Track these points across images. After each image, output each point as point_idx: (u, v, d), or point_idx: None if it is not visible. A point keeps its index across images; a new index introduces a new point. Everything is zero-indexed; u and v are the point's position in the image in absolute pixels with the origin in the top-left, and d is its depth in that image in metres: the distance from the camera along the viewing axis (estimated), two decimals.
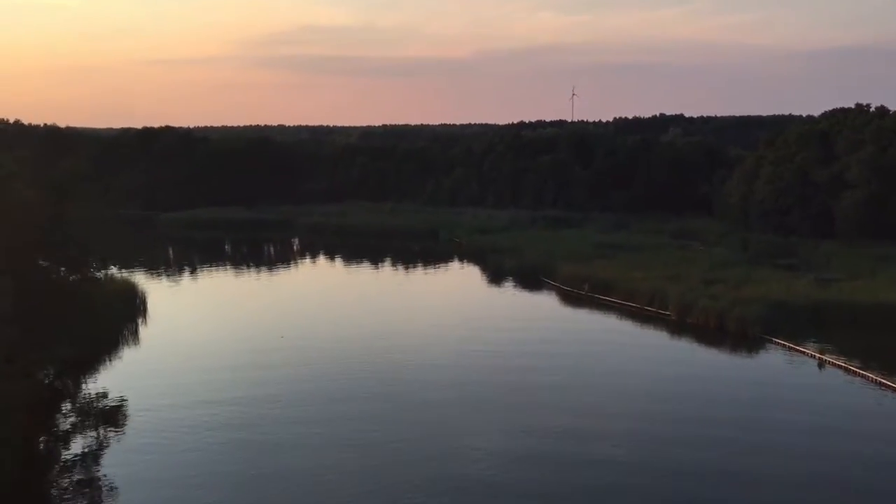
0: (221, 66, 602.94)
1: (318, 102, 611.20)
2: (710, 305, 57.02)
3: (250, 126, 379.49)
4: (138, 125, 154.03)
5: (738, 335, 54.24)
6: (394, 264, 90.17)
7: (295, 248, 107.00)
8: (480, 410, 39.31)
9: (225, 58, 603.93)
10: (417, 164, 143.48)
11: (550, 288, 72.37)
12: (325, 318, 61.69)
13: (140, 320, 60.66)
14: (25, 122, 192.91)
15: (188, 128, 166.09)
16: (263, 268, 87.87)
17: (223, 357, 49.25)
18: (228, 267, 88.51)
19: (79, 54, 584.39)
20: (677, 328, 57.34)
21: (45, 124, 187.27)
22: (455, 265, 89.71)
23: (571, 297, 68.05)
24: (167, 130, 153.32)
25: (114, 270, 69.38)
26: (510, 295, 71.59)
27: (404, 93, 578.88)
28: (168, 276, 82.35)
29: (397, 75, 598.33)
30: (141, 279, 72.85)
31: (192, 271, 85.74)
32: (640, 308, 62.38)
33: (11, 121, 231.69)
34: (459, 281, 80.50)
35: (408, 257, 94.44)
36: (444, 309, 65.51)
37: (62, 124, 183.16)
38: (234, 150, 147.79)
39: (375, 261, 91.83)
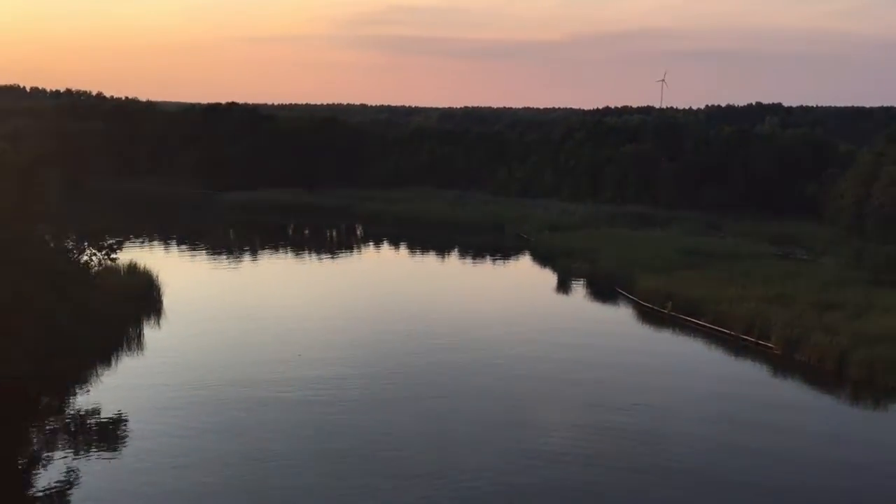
0: (310, 44, 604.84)
1: (401, 83, 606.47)
2: (825, 342, 45.90)
3: (332, 105, 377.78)
4: (223, 101, 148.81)
5: (863, 383, 43.16)
6: (452, 260, 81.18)
7: (348, 237, 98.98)
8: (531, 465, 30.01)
9: (314, 36, 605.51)
10: (489, 150, 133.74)
11: (626, 302, 62.04)
12: (373, 318, 53.38)
13: (153, 318, 53.50)
14: (113, 95, 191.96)
15: (254, 104, 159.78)
16: (308, 258, 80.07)
17: (239, 369, 41.26)
18: (270, 256, 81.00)
19: (179, 31, 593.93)
20: (782, 366, 46.51)
21: (126, 97, 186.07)
22: (519, 265, 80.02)
23: (651, 316, 57.62)
24: (232, 107, 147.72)
25: (141, 257, 62.74)
26: (578, 308, 61.60)
27: (489, 75, 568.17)
28: (202, 262, 75.35)
29: (483, 57, 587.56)
30: (171, 267, 65.97)
31: (230, 259, 78.42)
32: (736, 336, 51.60)
33: (94, 93, 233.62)
34: (521, 285, 70.83)
35: (468, 253, 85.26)
36: (496, 318, 56.18)
37: (159, 99, 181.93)
38: (298, 129, 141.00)
39: (432, 255, 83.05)
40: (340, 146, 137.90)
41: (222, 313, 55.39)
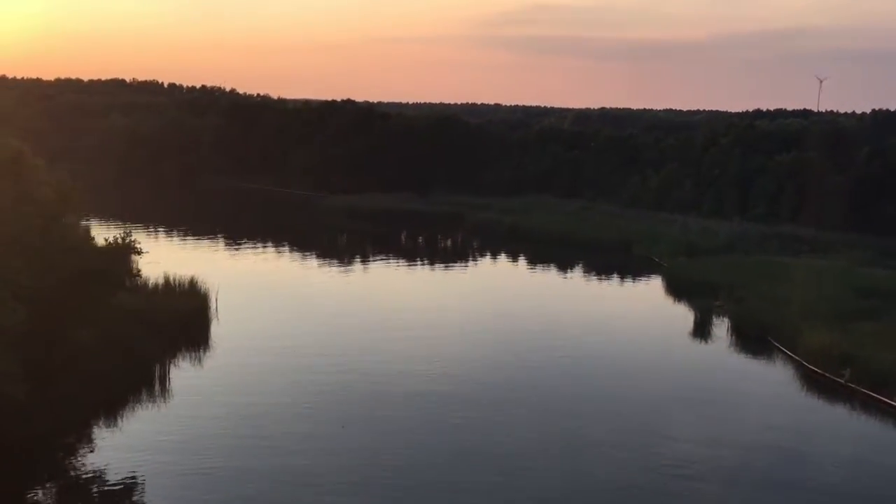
0: (447, 44, 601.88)
1: (538, 83, 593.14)
2: None
3: (464, 105, 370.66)
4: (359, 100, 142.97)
5: None
6: (567, 284, 68.94)
7: (452, 251, 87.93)
8: None
9: (452, 37, 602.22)
10: (621, 156, 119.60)
11: (784, 360, 47.93)
12: (480, 346, 42.51)
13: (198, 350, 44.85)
14: (245, 92, 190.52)
15: (382, 103, 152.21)
16: (400, 274, 69.91)
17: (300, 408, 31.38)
18: (358, 271, 71.41)
19: (324, 32, 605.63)
20: None
21: (245, 93, 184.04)
22: (646, 297, 66.62)
23: (820, 386, 43.49)
24: (348, 105, 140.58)
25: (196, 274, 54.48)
26: (718, 364, 48.04)
27: (629, 75, 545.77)
28: (275, 275, 66.50)
29: (625, 57, 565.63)
30: (239, 278, 57.45)
31: (308, 272, 69.23)
32: None
33: (228, 89, 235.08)
34: (647, 324, 57.47)
35: (587, 277, 72.81)
36: (614, 368, 43.85)
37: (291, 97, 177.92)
38: (413, 128, 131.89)
39: (544, 276, 71.12)
40: (457, 148, 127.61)
41: (283, 352, 45.75)
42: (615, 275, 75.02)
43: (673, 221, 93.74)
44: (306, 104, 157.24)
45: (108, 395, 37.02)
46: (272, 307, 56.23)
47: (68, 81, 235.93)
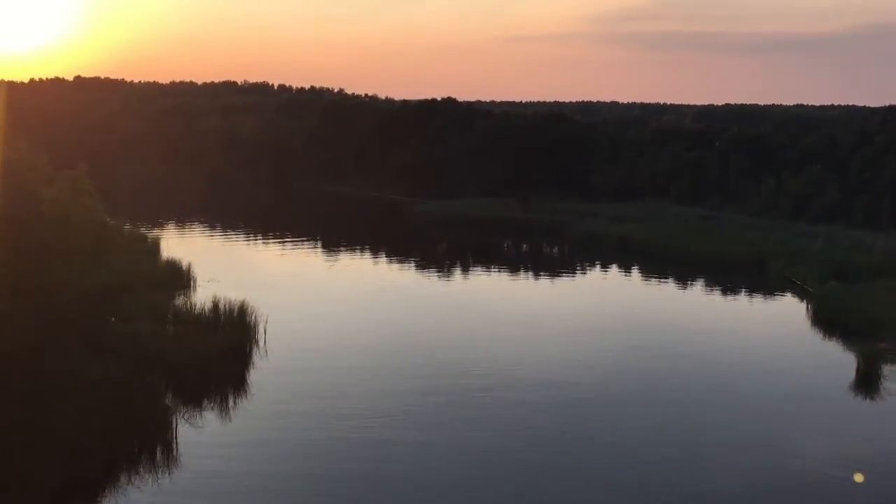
0: (567, 42, 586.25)
1: (657, 79, 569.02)
2: None
3: (580, 102, 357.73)
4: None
5: None
6: (689, 310, 56.98)
7: (551, 268, 76.31)
8: None
9: (571, 34, 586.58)
10: (751, 156, 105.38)
11: None
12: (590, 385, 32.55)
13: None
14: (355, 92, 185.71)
15: (471, 101, 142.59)
16: (485, 298, 59.77)
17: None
18: (436, 291, 61.76)
19: (447, 33, 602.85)
20: None
21: (342, 91, 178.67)
22: (788, 334, 53.72)
23: None
24: (447, 103, 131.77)
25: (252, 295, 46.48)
26: (891, 433, 35.81)
27: (756, 70, 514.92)
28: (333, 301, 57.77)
29: (752, 52, 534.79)
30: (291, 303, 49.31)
31: (384, 295, 60.06)
32: None
33: (336, 90, 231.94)
34: (793, 368, 45.11)
35: (713, 302, 60.54)
36: (748, 430, 32.62)
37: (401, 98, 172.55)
38: (516, 128, 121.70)
39: (662, 302, 59.40)
40: (564, 149, 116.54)
41: (339, 411, 36.75)
42: (746, 301, 62.55)
43: (815, 234, 79.58)
44: (405, 104, 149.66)
45: (84, 470, 28.92)
46: (335, 340, 47.35)
47: (181, 84, 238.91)
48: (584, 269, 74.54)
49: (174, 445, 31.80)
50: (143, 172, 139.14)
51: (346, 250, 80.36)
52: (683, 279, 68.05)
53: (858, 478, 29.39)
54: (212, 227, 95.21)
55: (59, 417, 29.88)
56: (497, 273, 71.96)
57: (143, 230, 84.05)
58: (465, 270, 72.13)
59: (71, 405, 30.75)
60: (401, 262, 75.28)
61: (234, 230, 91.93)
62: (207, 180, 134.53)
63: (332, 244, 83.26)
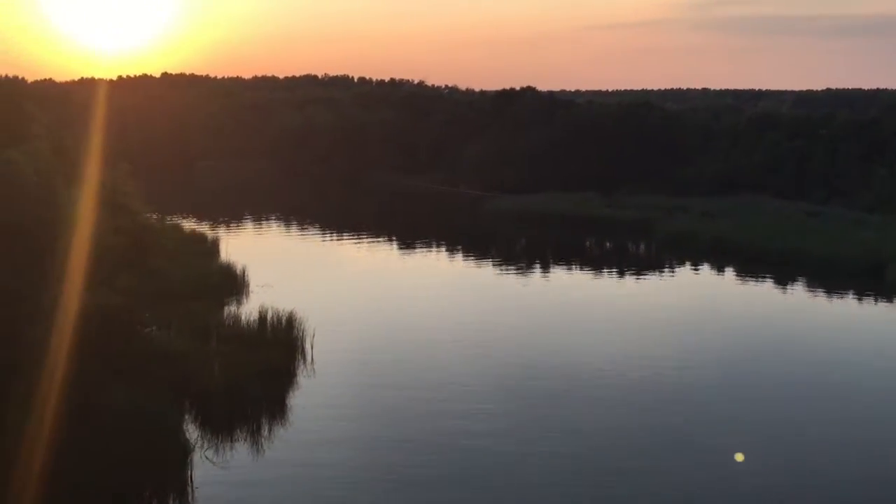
0: (655, 28, 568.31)
1: (752, 65, 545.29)
2: None
3: (669, 90, 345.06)
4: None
5: None
6: (795, 324, 49.71)
7: (632, 272, 68.96)
8: None
9: (661, 21, 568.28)
10: (862, 145, 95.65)
11: None
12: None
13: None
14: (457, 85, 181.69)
15: (553, 91, 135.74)
16: (555, 307, 53.88)
17: None
18: (498, 298, 56.19)
19: (527, 23, 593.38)
20: None
21: (421, 82, 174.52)
22: None
23: None
24: (527, 93, 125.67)
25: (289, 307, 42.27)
26: None
27: (860, 53, 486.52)
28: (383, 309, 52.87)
29: (855, 34, 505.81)
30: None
31: (445, 307, 54.84)
32: None
33: (416, 82, 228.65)
34: None
35: (823, 314, 53.02)
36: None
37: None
38: (600, 117, 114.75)
39: (762, 313, 52.27)
40: (650, 139, 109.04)
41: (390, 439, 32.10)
42: (859, 310, 54.76)
43: None
44: (482, 94, 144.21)
45: None
46: (396, 353, 42.55)
47: (263, 79, 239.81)
48: (671, 271, 67.76)
49: (189, 487, 27.62)
50: (219, 168, 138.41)
51: (416, 249, 75.89)
52: (785, 283, 60.55)
53: (739, 457, 29.06)
54: (280, 223, 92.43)
55: (54, 451, 26.07)
56: (577, 274, 65.95)
57: (207, 229, 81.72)
58: (543, 272, 66.41)
59: (70, 436, 26.93)
60: (474, 262, 70.14)
61: (302, 227, 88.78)
62: (282, 175, 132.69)
63: (402, 242, 78.95)
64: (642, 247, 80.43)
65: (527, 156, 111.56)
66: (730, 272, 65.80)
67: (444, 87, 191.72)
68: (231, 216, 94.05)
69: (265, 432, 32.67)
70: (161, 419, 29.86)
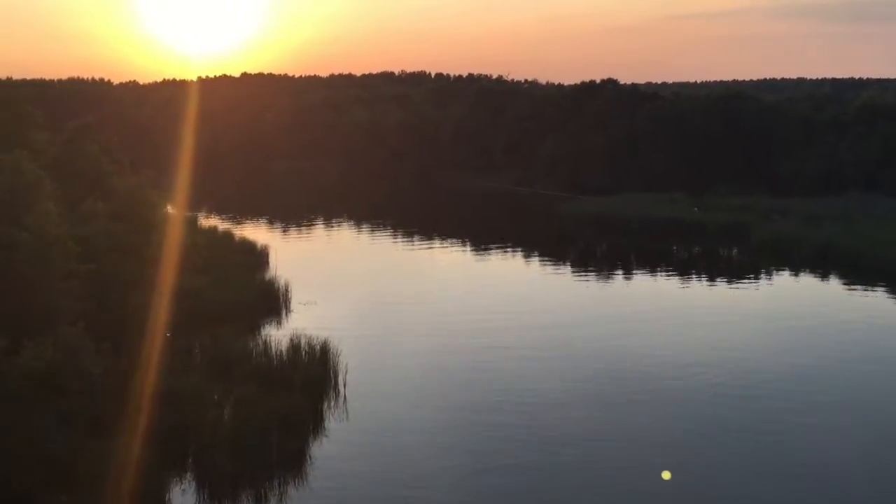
0: (744, 17, 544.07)
1: (850, 52, 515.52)
2: None
3: (760, 80, 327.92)
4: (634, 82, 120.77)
5: None
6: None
7: (725, 285, 60.39)
8: None
9: (745, 9, 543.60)
10: None
11: None
12: None
13: None
14: (535, 79, 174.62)
15: (637, 84, 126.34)
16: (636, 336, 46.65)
17: None
18: (568, 319, 49.22)
19: (607, 15, 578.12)
20: None
21: (500, 76, 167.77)
22: None
23: None
24: (608, 85, 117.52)
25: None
26: None
27: None
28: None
29: None
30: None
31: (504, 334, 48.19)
32: None
33: (495, 76, 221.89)
34: None
35: None
36: None
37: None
38: (688, 110, 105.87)
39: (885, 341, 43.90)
40: (744, 133, 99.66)
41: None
42: None
43: None
44: (559, 88, 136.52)
45: None
46: (445, 392, 36.45)
47: (339, 77, 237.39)
48: (769, 282, 59.29)
49: None
50: (289, 167, 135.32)
51: (488, 256, 69.78)
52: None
53: (665, 475, 27.66)
54: (344, 226, 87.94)
55: None
56: (661, 285, 58.34)
57: (264, 234, 77.80)
58: (624, 282, 59.37)
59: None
60: (546, 273, 63.51)
61: (366, 230, 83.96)
62: (353, 175, 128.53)
63: (473, 247, 73.14)
64: (736, 254, 71.99)
65: (607, 153, 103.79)
66: (837, 284, 57.27)
67: (523, 81, 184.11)
68: (295, 218, 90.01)
69: (276, 497, 27.15)
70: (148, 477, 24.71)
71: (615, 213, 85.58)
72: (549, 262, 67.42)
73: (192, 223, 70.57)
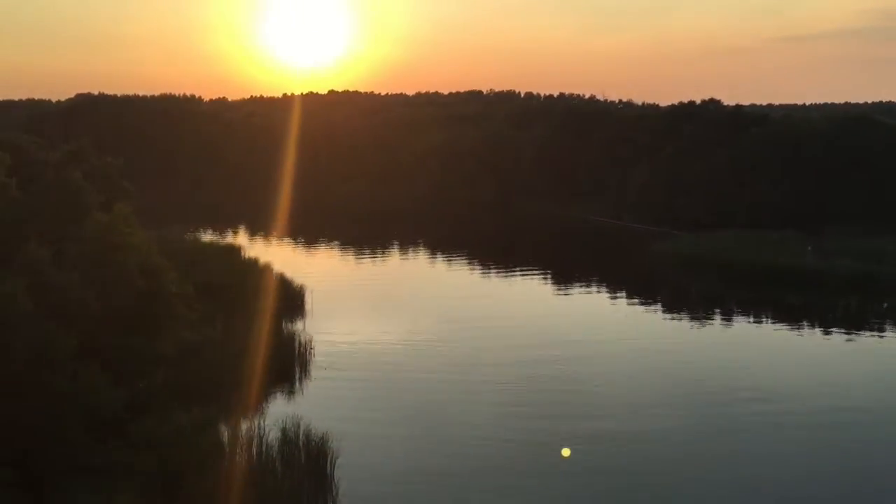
0: (856, 38, 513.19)
1: None
2: None
3: (877, 104, 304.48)
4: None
5: None
6: None
7: (848, 353, 47.64)
8: None
9: (861, 30, 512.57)
10: None
11: None
12: None
13: None
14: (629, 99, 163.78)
15: (741, 105, 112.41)
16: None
17: None
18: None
19: (712, 36, 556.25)
20: None
21: (591, 96, 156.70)
22: None
23: None
24: (709, 106, 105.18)
25: None
26: None
27: None
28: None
29: None
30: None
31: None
32: None
33: (587, 96, 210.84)
34: None
35: None
36: None
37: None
38: (804, 135, 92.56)
39: None
40: (872, 162, 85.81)
41: None
42: None
43: None
44: (654, 109, 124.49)
45: None
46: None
47: (424, 95, 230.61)
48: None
49: None
50: (357, 191, 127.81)
51: (564, 300, 59.70)
52: None
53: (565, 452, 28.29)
54: (404, 258, 79.15)
55: None
56: (768, 348, 46.39)
57: (311, 266, 69.73)
58: (721, 354, 47.65)
59: None
60: (637, 318, 52.46)
61: (426, 265, 74.80)
62: (422, 200, 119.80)
63: (548, 289, 63.51)
64: (864, 311, 58.59)
65: (707, 183, 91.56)
66: None
67: (617, 101, 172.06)
68: (353, 246, 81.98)
69: None
70: None
71: (717, 254, 73.67)
72: (637, 305, 56.69)
73: (222, 256, 63.71)
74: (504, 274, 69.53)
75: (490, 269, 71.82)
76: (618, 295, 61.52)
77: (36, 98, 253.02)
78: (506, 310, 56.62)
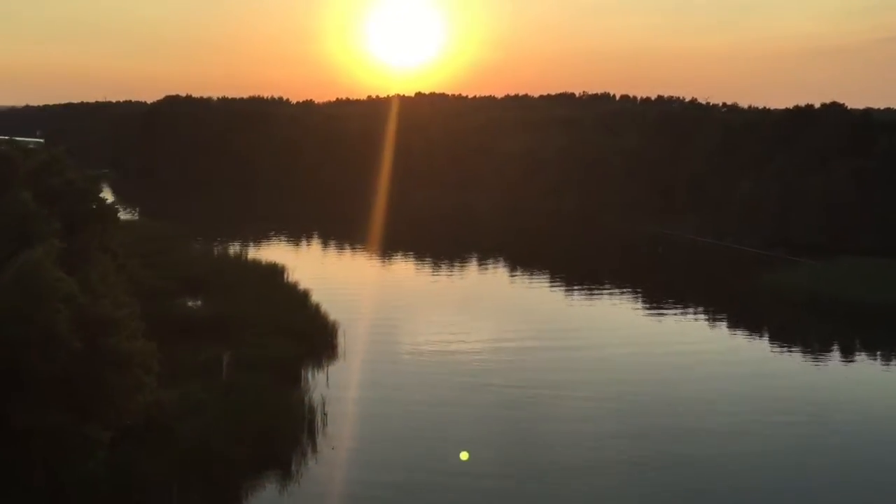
0: None
1: None
2: None
3: None
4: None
5: None
6: None
7: None
8: None
9: None
10: None
11: None
12: None
13: None
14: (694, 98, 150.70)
15: (870, 109, 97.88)
16: None
17: None
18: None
19: (818, 36, 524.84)
20: None
21: (724, 104, 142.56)
22: None
23: None
24: (831, 110, 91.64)
25: None
26: None
27: None
28: None
29: None
30: None
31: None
32: None
33: (688, 99, 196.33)
34: None
35: None
36: None
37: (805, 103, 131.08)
38: None
39: None
40: None
41: None
42: None
43: None
44: (764, 113, 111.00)
45: None
46: None
47: (515, 97, 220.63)
48: None
49: None
50: (434, 200, 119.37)
51: (659, 322, 49.44)
52: None
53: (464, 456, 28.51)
54: (471, 280, 69.80)
55: None
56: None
57: (367, 292, 61.85)
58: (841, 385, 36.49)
59: None
60: (739, 355, 41.64)
61: (490, 293, 65.03)
62: (501, 211, 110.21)
63: (643, 312, 53.23)
64: None
65: (827, 200, 78.82)
66: None
67: (720, 105, 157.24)
68: (408, 271, 73.55)
69: None
70: None
71: (840, 290, 61.43)
72: (753, 362, 45.78)
73: (259, 277, 56.62)
74: (588, 305, 60.17)
75: (574, 297, 62.52)
76: (729, 344, 50.48)
77: (133, 100, 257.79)
78: (598, 362, 46.33)
